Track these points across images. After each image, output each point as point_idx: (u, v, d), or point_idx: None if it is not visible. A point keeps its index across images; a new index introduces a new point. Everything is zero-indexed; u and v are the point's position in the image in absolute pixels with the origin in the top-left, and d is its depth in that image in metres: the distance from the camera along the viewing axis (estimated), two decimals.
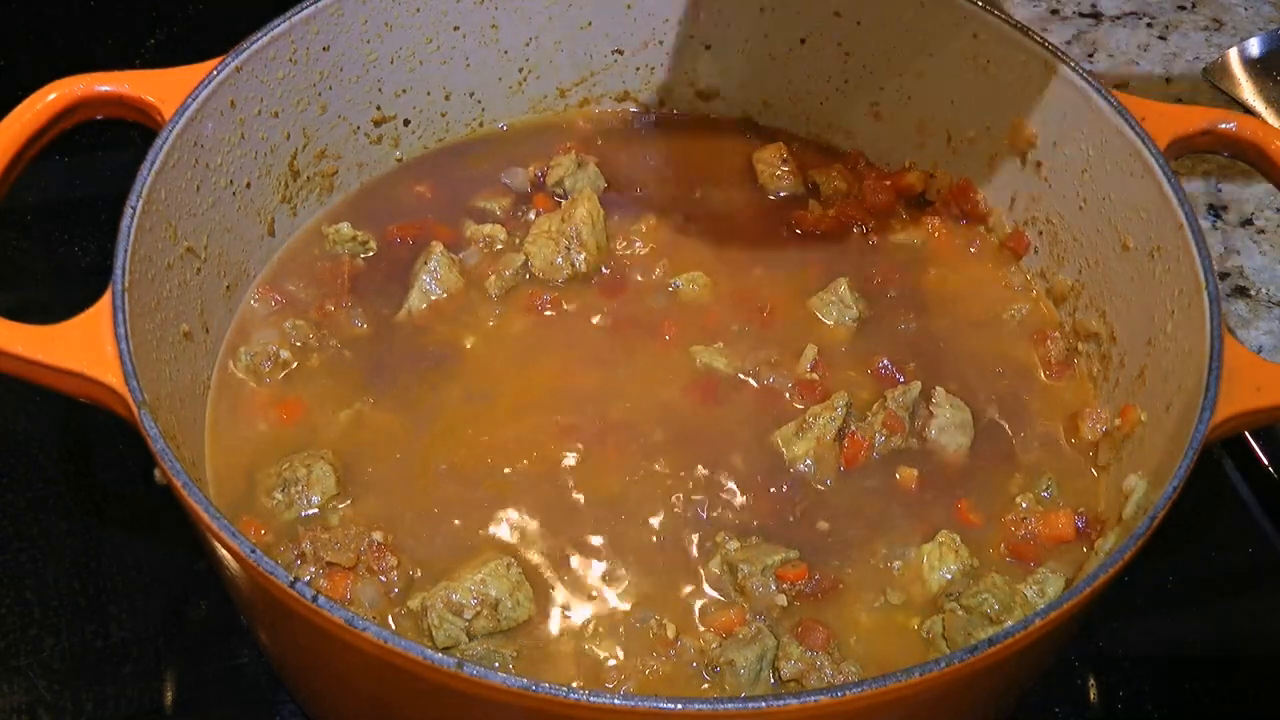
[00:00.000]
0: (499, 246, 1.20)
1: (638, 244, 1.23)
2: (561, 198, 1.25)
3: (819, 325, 1.18)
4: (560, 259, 1.19)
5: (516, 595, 0.98)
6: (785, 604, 0.99)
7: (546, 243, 1.20)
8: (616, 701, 0.78)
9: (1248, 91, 1.51)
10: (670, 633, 0.98)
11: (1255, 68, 1.54)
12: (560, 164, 1.26)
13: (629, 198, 1.26)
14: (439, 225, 1.22)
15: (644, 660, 0.96)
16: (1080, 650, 1.15)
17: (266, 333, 1.13)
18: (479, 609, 0.96)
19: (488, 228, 1.21)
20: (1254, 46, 1.55)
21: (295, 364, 1.12)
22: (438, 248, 1.18)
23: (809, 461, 1.08)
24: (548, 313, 1.17)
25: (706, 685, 0.96)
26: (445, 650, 0.95)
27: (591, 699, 0.77)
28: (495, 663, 0.96)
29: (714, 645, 0.97)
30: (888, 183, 1.28)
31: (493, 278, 1.18)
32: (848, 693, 0.78)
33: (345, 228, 1.19)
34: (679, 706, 0.78)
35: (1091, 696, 1.15)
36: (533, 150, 1.29)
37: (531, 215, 1.24)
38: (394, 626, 0.97)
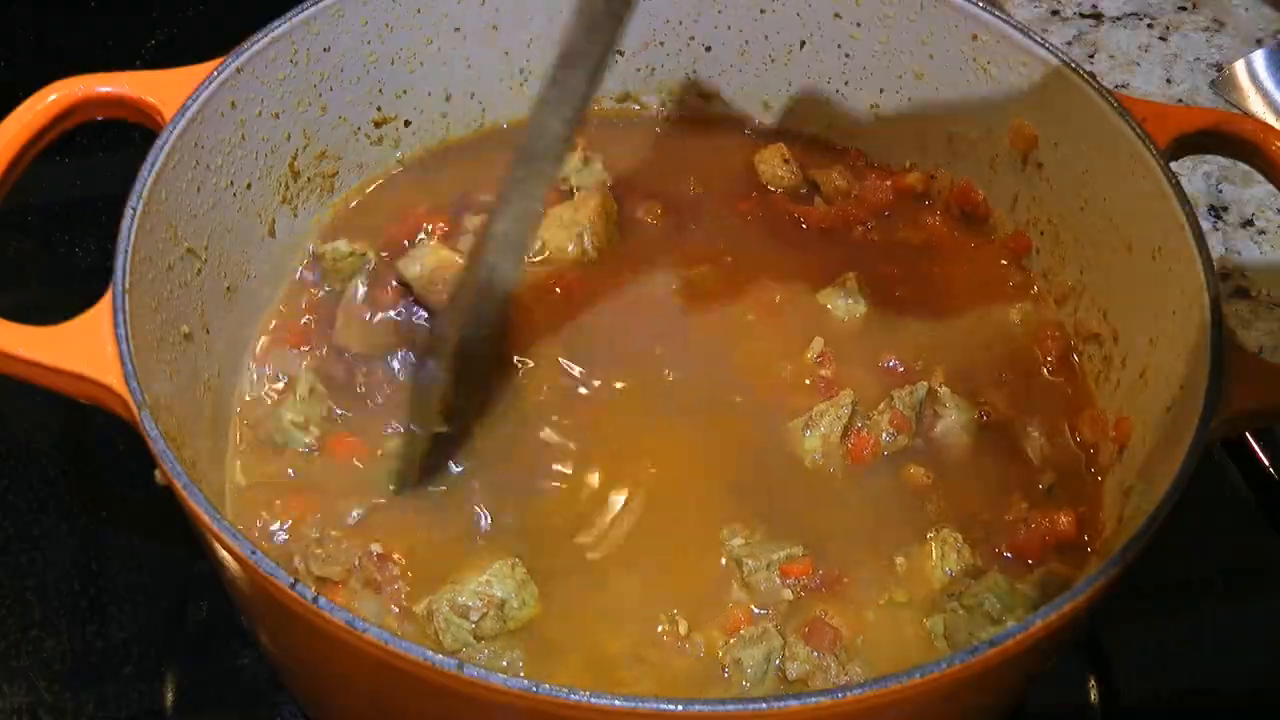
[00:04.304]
0: None
1: (643, 240, 1.22)
2: (567, 193, 1.24)
3: (828, 319, 1.17)
4: (572, 246, 1.19)
5: (522, 594, 0.98)
6: (791, 599, 0.99)
7: (559, 230, 1.19)
8: (617, 702, 0.78)
9: (1256, 104, 1.51)
10: (683, 629, 0.97)
11: (1262, 79, 1.54)
12: (566, 160, 1.26)
13: (631, 197, 1.26)
14: (437, 217, 1.21)
15: (654, 659, 0.96)
16: (1080, 650, 1.15)
17: (280, 413, 1.10)
18: (485, 610, 0.96)
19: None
20: (1259, 59, 1.55)
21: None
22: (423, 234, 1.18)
23: (817, 457, 1.07)
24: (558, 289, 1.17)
25: (716, 686, 0.96)
26: (454, 653, 0.95)
27: (593, 700, 0.77)
28: (504, 662, 0.96)
29: (722, 643, 0.97)
30: (888, 183, 1.28)
31: None
32: (849, 694, 0.78)
33: (342, 245, 1.17)
34: (679, 707, 0.78)
35: (1091, 697, 1.15)
36: None
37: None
38: (398, 630, 0.97)
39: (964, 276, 1.22)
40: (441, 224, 1.20)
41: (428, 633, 0.97)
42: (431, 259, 1.15)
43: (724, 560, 1.01)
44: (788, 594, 0.99)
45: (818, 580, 1.00)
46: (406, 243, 1.19)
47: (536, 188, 1.00)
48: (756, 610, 0.99)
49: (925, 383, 1.11)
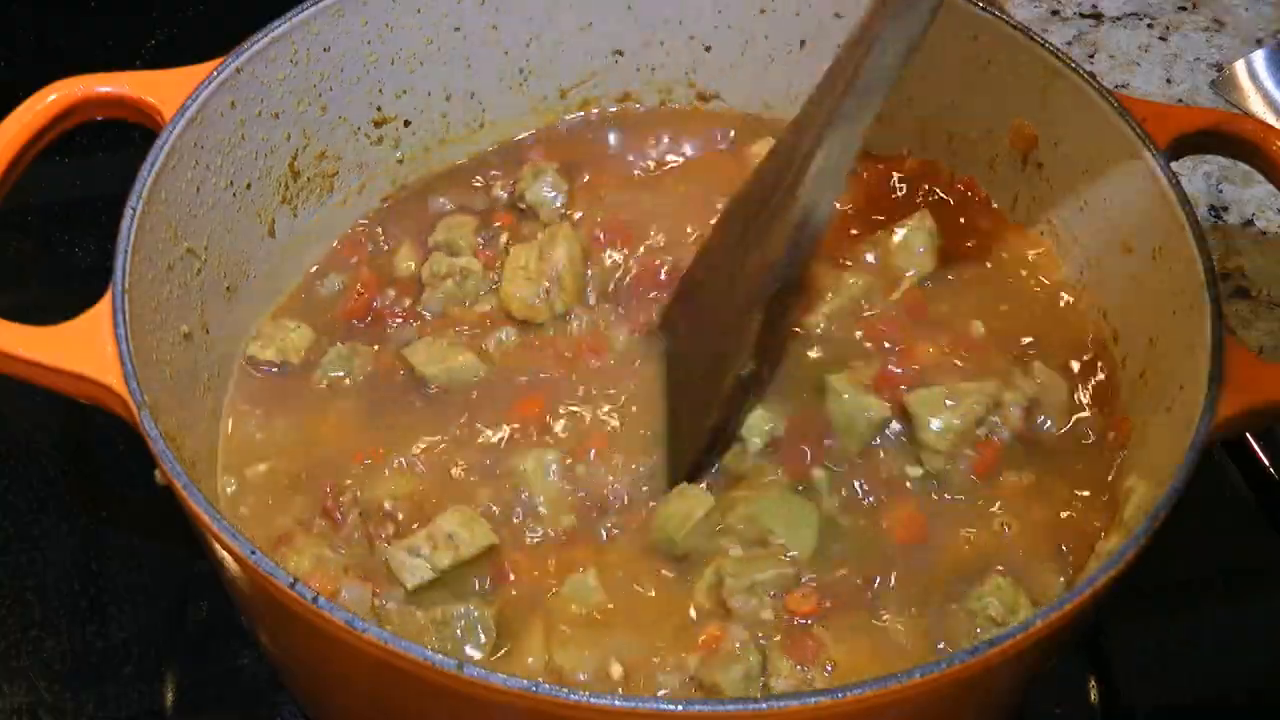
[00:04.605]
0: (470, 282, 1.17)
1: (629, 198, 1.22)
2: (524, 211, 1.22)
3: (907, 256, 1.17)
4: (538, 300, 1.14)
5: (471, 527, 0.98)
6: (772, 618, 0.96)
7: (524, 283, 1.15)
8: (617, 703, 0.79)
9: (1256, 104, 1.51)
10: (656, 657, 0.95)
11: (1262, 79, 1.54)
12: (523, 177, 1.24)
13: (634, 194, 1.25)
14: (400, 287, 1.18)
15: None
16: (1080, 650, 1.15)
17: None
18: (434, 544, 0.97)
19: (463, 260, 1.18)
20: (1259, 59, 1.55)
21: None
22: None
23: (941, 438, 1.03)
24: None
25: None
26: (417, 590, 0.96)
27: (592, 700, 0.78)
28: (477, 626, 0.95)
29: (697, 663, 0.94)
30: (880, 166, 1.27)
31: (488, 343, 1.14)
32: (849, 694, 0.78)
33: (289, 353, 1.13)
34: (679, 708, 0.78)
35: (1092, 697, 1.15)
36: (518, 162, 1.27)
37: (503, 239, 1.20)
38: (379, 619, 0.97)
39: (964, 276, 1.21)
40: (406, 299, 1.17)
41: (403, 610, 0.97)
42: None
43: (712, 575, 0.98)
44: (769, 615, 0.96)
45: (820, 616, 0.97)
46: (357, 322, 1.16)
47: (861, 121, 1.00)
48: (734, 629, 0.95)
49: (1039, 362, 1.08)
